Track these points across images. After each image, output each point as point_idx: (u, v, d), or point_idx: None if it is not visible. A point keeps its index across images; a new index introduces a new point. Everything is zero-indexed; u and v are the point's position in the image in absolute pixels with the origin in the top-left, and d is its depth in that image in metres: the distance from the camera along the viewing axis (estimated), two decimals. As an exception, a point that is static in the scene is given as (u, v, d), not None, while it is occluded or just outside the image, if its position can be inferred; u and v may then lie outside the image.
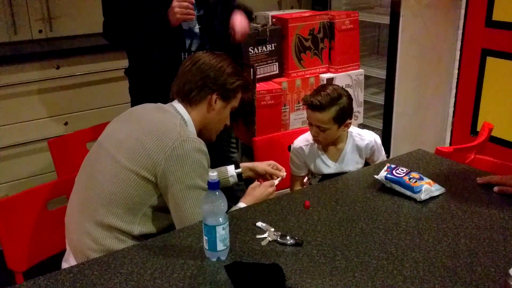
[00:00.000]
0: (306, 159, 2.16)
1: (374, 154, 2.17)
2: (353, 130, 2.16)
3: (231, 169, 1.95)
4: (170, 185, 1.51)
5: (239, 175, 1.95)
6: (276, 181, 1.86)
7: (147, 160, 1.51)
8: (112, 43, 2.26)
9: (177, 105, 1.69)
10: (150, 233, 1.57)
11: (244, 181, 2.06)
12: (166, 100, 1.75)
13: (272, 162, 1.97)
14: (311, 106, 1.99)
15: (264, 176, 1.95)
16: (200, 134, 1.71)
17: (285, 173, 1.93)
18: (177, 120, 1.60)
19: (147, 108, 1.71)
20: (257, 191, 1.76)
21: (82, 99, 2.95)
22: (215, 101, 1.69)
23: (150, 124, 1.58)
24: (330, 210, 1.62)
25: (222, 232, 1.31)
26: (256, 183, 1.82)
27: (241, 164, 1.98)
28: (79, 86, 2.94)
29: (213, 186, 1.30)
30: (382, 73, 3.32)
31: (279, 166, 1.95)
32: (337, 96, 1.99)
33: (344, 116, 2.01)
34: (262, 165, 1.96)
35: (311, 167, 2.16)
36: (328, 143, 2.11)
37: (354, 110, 2.21)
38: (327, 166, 2.13)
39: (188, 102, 1.69)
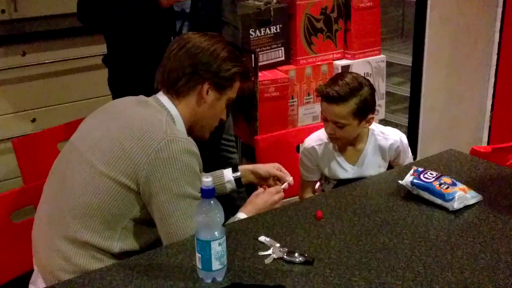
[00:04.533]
0: (319, 162, 2.16)
1: (399, 156, 2.17)
2: (375, 127, 2.15)
3: (228, 173, 1.94)
4: (155, 194, 1.51)
5: (238, 180, 1.94)
6: (282, 187, 1.86)
7: (128, 165, 1.51)
8: (87, 25, 2.26)
9: (161, 97, 1.68)
10: (133, 250, 1.57)
11: (245, 187, 2.06)
12: (152, 93, 1.75)
13: (277, 164, 1.96)
14: (327, 97, 1.98)
15: (268, 181, 1.95)
16: (190, 132, 1.71)
17: (291, 178, 1.93)
18: (162, 116, 1.60)
19: (127, 102, 1.70)
20: (260, 199, 1.76)
21: (53, 92, 2.96)
22: (207, 91, 1.68)
23: (131, 121, 1.58)
24: (347, 221, 1.62)
25: (218, 249, 1.31)
26: (259, 189, 1.82)
27: (241, 167, 1.97)
28: (49, 76, 2.94)
29: (207, 193, 1.29)
30: (407, 60, 3.31)
31: (284, 170, 1.95)
32: (358, 86, 1.98)
33: (365, 110, 2.00)
34: (265, 167, 1.95)
35: (324, 171, 2.16)
36: (346, 142, 2.10)
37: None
38: (344, 169, 2.13)
39: (175, 93, 1.67)
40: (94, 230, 1.54)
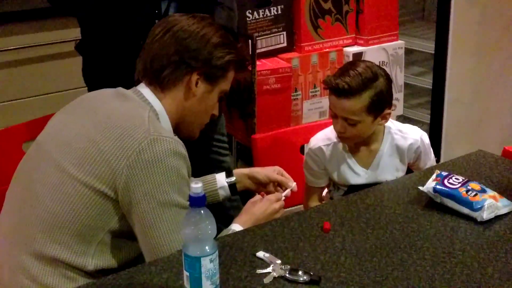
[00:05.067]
0: (327, 164, 2.16)
1: (420, 158, 2.17)
2: (392, 125, 2.16)
3: (221, 178, 1.94)
4: (135, 202, 1.51)
5: (232, 186, 1.95)
6: (284, 194, 1.86)
7: (104, 168, 1.51)
8: (57, 6, 2.26)
9: (143, 90, 1.68)
10: (110, 267, 1.57)
11: (240, 195, 2.06)
12: (132, 85, 1.74)
13: (277, 168, 1.96)
14: (337, 90, 1.99)
15: (267, 187, 1.95)
16: (177, 129, 1.71)
17: (295, 184, 1.93)
18: (144, 112, 1.60)
19: (104, 95, 1.70)
20: (257, 208, 1.76)
21: (16, 83, 2.95)
22: (197, 83, 1.67)
23: (108, 118, 1.58)
24: (359, 234, 1.62)
25: (209, 266, 1.31)
26: (257, 196, 1.82)
27: (235, 171, 1.97)
28: (11, 65, 2.94)
29: (196, 202, 1.29)
30: (429, 46, 3.32)
31: (286, 175, 1.95)
32: (372, 76, 1.99)
33: (381, 105, 2.01)
34: (264, 171, 1.96)
35: (333, 176, 2.16)
36: (358, 142, 2.11)
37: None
38: (356, 174, 2.13)
39: (159, 85, 1.67)
40: (64, 245, 1.53)
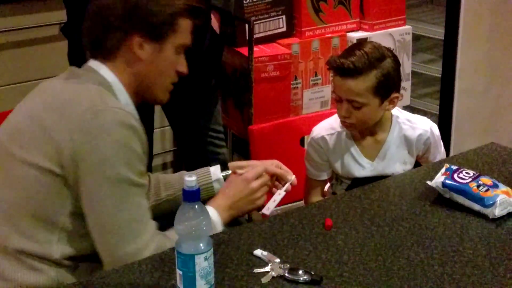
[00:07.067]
0: (330, 155, 2.16)
1: (429, 150, 2.18)
2: (400, 114, 2.16)
3: (216, 171, 1.94)
4: (82, 177, 1.50)
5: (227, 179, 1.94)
6: (284, 189, 1.86)
7: (48, 144, 1.50)
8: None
9: (93, 63, 1.65)
10: (79, 254, 1.57)
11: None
12: None
13: (275, 161, 1.96)
14: (341, 70, 1.99)
15: None
16: (140, 98, 1.69)
17: (294, 177, 1.93)
18: (93, 85, 1.58)
19: (57, 77, 1.69)
20: (232, 190, 1.73)
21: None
22: (141, 46, 1.63)
23: (54, 96, 1.57)
24: (362, 232, 1.62)
25: (203, 264, 1.31)
26: (232, 176, 1.79)
27: (230, 164, 1.97)
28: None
29: (190, 196, 1.30)
30: (439, 32, 3.32)
31: (285, 168, 1.95)
32: (379, 57, 1.99)
33: (388, 87, 2.01)
34: (264, 166, 1.95)
35: (336, 167, 2.17)
36: (363, 130, 2.11)
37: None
38: (361, 166, 2.14)
39: (102, 56, 1.64)
40: (26, 234, 1.54)
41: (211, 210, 1.66)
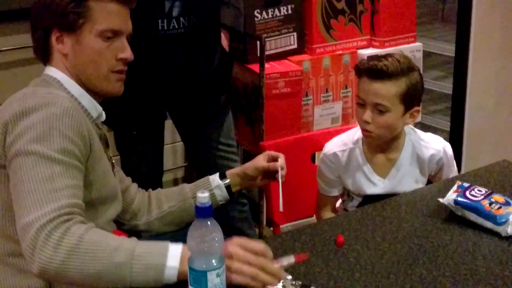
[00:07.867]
0: (342, 172, 2.16)
1: (442, 170, 2.18)
2: (414, 132, 2.17)
3: (215, 178, 1.92)
4: (10, 158, 1.49)
5: (228, 188, 1.93)
6: (279, 179, 1.84)
7: None
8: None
9: (46, 68, 1.68)
10: None
11: (249, 206, 2.05)
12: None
13: (266, 152, 1.93)
14: (373, 72, 2.01)
15: (256, 180, 1.93)
16: (90, 90, 1.68)
17: (282, 160, 1.89)
18: (36, 86, 1.62)
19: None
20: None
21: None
22: (60, 40, 1.63)
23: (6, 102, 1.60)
24: (374, 249, 1.62)
25: (216, 281, 1.31)
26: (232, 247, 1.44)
27: (228, 172, 1.96)
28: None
29: (204, 212, 1.29)
30: (449, 49, 3.32)
31: (274, 153, 1.92)
32: (410, 66, 2.04)
33: (414, 98, 2.04)
34: (253, 164, 1.92)
35: (348, 184, 2.17)
36: (376, 146, 2.11)
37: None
38: (372, 183, 2.14)
39: (43, 59, 1.68)
40: (7, 236, 1.54)
41: (177, 249, 1.42)
